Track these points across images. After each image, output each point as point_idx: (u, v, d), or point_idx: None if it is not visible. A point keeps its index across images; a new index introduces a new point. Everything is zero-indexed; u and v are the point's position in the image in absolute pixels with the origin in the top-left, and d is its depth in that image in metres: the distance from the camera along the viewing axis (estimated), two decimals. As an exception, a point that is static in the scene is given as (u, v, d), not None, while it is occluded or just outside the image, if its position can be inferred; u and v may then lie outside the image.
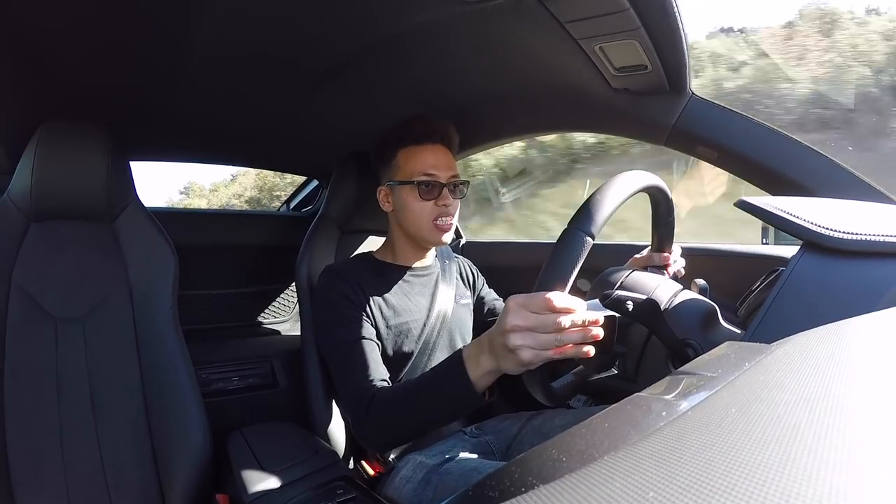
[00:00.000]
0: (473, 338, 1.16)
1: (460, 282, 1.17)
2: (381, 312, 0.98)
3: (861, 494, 0.14)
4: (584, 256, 0.57)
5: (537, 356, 0.58)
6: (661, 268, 0.81)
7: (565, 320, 0.56)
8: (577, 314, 0.57)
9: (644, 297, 0.65)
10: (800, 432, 0.18)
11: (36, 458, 0.88)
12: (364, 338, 0.93)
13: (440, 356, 1.04)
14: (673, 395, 0.28)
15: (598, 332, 0.57)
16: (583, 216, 0.59)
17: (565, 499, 0.16)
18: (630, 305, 0.64)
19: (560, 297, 0.56)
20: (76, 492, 0.89)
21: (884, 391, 0.23)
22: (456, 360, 0.69)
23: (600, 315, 0.59)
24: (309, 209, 1.91)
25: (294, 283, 1.45)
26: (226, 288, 1.60)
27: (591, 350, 0.58)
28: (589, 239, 0.57)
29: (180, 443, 0.95)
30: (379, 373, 0.90)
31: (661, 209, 0.74)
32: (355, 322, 0.94)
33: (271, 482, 0.83)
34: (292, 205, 2.00)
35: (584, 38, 0.80)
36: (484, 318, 1.18)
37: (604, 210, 0.59)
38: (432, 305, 1.05)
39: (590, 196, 0.60)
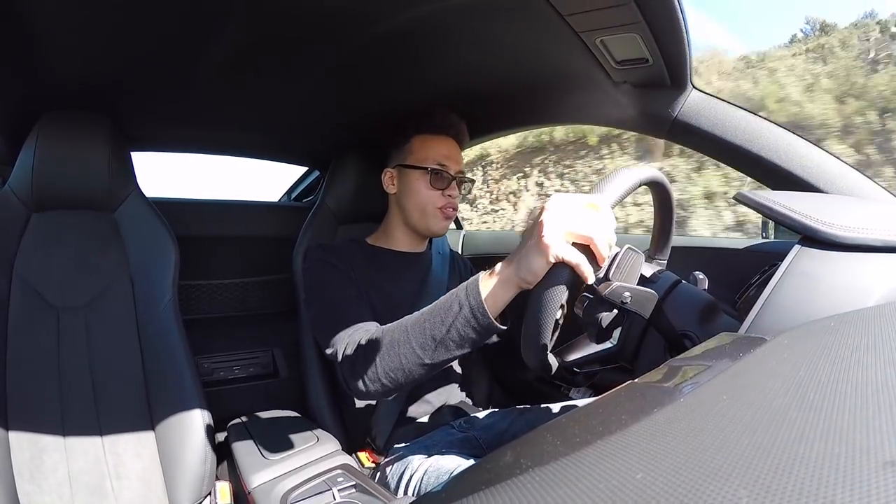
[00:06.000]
0: None
1: (453, 276, 1.15)
2: (370, 294, 0.96)
3: (844, 476, 0.15)
4: (636, 188, 0.62)
5: (559, 245, 0.56)
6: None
7: (604, 217, 0.57)
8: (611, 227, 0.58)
9: (643, 288, 0.65)
10: (787, 418, 0.19)
11: (38, 447, 0.89)
12: (355, 298, 0.90)
13: None
14: (666, 383, 0.29)
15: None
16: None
17: (559, 480, 0.17)
18: (628, 297, 0.63)
19: (603, 200, 0.57)
20: (78, 480, 0.90)
21: (874, 381, 0.24)
22: (472, 279, 0.67)
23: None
24: (310, 199, 1.91)
25: None
26: (227, 277, 1.61)
27: (589, 276, 0.57)
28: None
29: (181, 431, 0.96)
30: (373, 321, 0.84)
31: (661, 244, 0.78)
32: (347, 286, 0.92)
33: (272, 471, 0.84)
34: (294, 195, 2.00)
35: (584, 31, 0.80)
36: None
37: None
38: (422, 294, 1.03)
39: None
